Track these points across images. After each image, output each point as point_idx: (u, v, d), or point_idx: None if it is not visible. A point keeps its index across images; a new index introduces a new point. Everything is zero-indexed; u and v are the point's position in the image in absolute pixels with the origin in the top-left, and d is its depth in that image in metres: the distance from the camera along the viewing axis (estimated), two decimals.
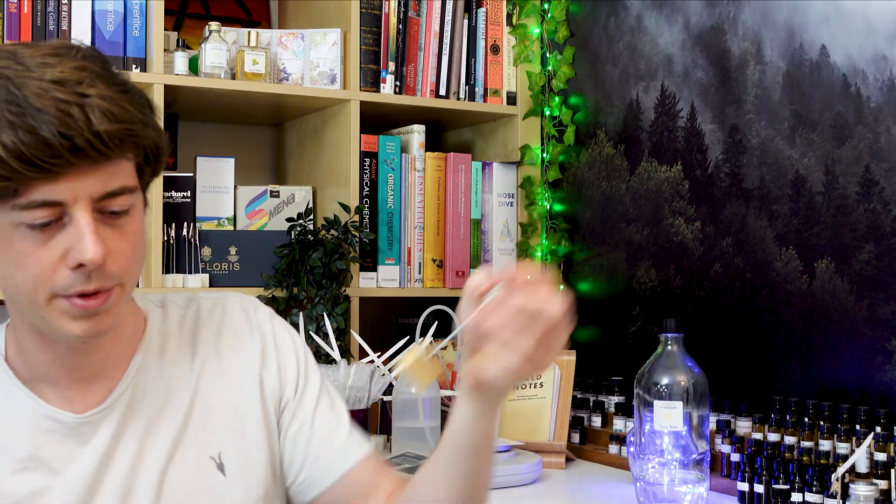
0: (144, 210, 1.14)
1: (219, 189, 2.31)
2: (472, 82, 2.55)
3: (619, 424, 2.20)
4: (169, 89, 2.17)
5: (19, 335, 1.16)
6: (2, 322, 1.21)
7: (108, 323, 1.09)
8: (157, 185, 2.12)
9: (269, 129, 2.76)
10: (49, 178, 0.99)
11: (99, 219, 1.04)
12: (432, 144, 2.64)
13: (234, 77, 2.28)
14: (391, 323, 2.65)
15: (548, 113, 2.56)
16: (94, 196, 1.03)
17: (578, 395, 2.35)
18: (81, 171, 1.01)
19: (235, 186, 2.34)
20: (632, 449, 1.85)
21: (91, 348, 1.15)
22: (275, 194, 2.40)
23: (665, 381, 1.78)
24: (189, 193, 2.25)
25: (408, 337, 2.19)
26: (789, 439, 1.83)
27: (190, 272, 2.21)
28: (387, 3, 2.43)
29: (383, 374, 2.13)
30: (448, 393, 2.28)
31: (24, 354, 1.16)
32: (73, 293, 1.04)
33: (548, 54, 2.57)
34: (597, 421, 2.29)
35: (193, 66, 2.26)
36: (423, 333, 2.24)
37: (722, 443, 1.94)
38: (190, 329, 1.25)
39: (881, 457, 1.68)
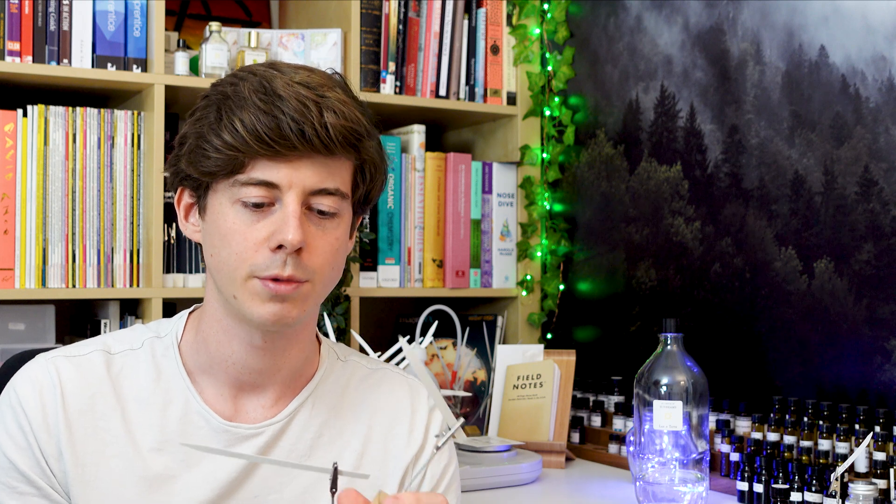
0: (352, 233, 1.21)
1: None
2: (472, 82, 2.55)
3: (618, 424, 2.20)
4: (170, 90, 2.17)
5: (205, 322, 1.20)
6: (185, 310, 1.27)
7: (294, 315, 1.14)
8: (157, 184, 2.13)
9: None
10: (273, 159, 1.10)
11: (307, 213, 1.12)
12: (432, 144, 2.64)
13: None
14: (391, 323, 2.66)
15: (548, 113, 2.56)
16: (307, 188, 1.11)
17: (578, 395, 2.36)
18: (303, 160, 1.11)
19: None
20: (631, 448, 1.85)
21: (268, 349, 1.18)
22: None
23: (665, 380, 1.79)
24: None
25: (408, 336, 2.20)
26: (788, 439, 1.83)
27: (190, 272, 2.22)
28: (387, 3, 2.43)
29: None
30: (448, 392, 2.28)
31: (201, 342, 1.20)
32: (268, 275, 1.12)
33: (548, 55, 2.57)
34: (596, 420, 2.29)
35: (194, 67, 2.27)
36: (423, 333, 2.24)
37: (721, 442, 1.95)
38: (363, 391, 1.28)
39: (880, 456, 1.68)
